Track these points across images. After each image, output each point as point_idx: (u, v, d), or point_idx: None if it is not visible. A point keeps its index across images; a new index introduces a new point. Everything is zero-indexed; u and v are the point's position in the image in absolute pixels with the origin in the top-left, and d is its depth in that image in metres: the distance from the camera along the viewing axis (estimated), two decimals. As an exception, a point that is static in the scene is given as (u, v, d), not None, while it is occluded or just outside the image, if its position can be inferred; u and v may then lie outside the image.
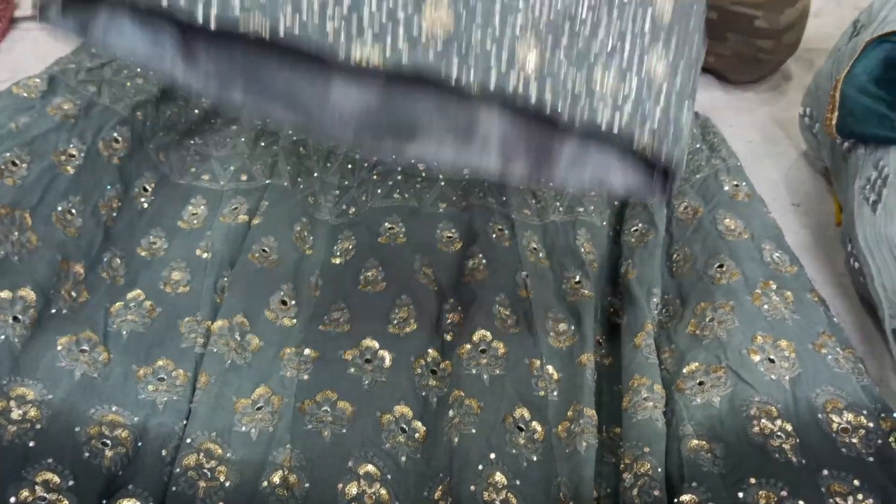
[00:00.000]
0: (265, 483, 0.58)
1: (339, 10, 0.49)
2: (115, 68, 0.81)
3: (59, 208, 0.69)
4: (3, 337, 0.59)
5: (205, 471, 0.59)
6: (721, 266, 0.72)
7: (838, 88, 0.80)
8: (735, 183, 0.81)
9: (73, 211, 0.70)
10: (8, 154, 0.66)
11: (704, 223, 0.77)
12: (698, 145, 0.87)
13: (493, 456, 0.60)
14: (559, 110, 0.51)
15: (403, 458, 0.62)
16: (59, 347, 0.62)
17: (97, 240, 0.71)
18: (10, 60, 1.02)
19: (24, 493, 0.54)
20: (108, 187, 0.74)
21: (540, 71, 0.51)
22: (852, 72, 0.80)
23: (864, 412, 0.60)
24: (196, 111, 0.85)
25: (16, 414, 0.57)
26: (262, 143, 0.85)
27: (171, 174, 0.81)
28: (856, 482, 0.56)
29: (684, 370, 0.65)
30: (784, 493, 0.55)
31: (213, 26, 0.46)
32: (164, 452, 0.60)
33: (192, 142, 0.85)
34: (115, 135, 0.76)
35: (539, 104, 0.50)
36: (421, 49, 0.49)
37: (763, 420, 0.60)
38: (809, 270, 0.79)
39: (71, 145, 0.71)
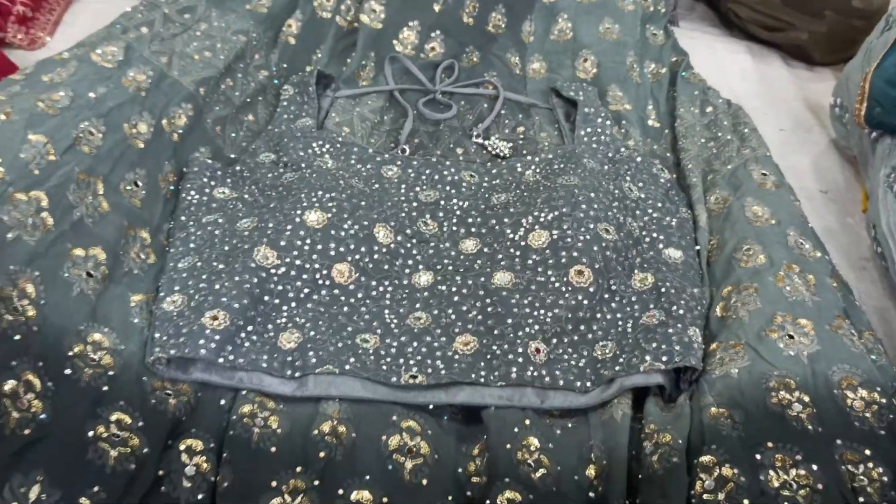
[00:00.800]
0: (315, 431, 0.63)
1: (388, 356, 0.68)
2: (186, 39, 0.86)
3: (127, 178, 0.74)
4: (79, 289, 0.65)
5: (259, 419, 0.64)
6: (748, 249, 0.76)
7: (868, 80, 0.83)
8: (763, 172, 0.84)
9: (139, 183, 0.75)
10: (86, 123, 0.71)
11: (734, 210, 0.81)
12: (729, 136, 0.91)
13: (527, 422, 0.65)
14: (566, 384, 0.67)
15: (445, 417, 0.67)
16: (133, 304, 0.68)
17: (157, 211, 0.76)
18: (73, 33, 1.07)
19: (101, 429, 0.59)
20: (166, 163, 0.79)
21: (548, 361, 0.68)
22: (882, 65, 0.83)
23: (878, 389, 0.64)
24: (253, 84, 0.90)
25: (92, 358, 0.63)
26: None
27: (225, 148, 0.86)
28: (867, 452, 0.60)
29: (708, 349, 0.69)
30: (799, 458, 0.59)
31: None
32: (222, 402, 0.66)
33: (246, 117, 0.89)
34: (179, 111, 0.81)
35: (552, 384, 0.67)
36: (455, 366, 0.68)
37: (782, 392, 0.63)
38: (835, 255, 0.83)
39: (142, 120, 0.76)
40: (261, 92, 0.91)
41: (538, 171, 0.84)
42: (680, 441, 0.63)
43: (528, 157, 0.87)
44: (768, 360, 0.66)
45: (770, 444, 0.61)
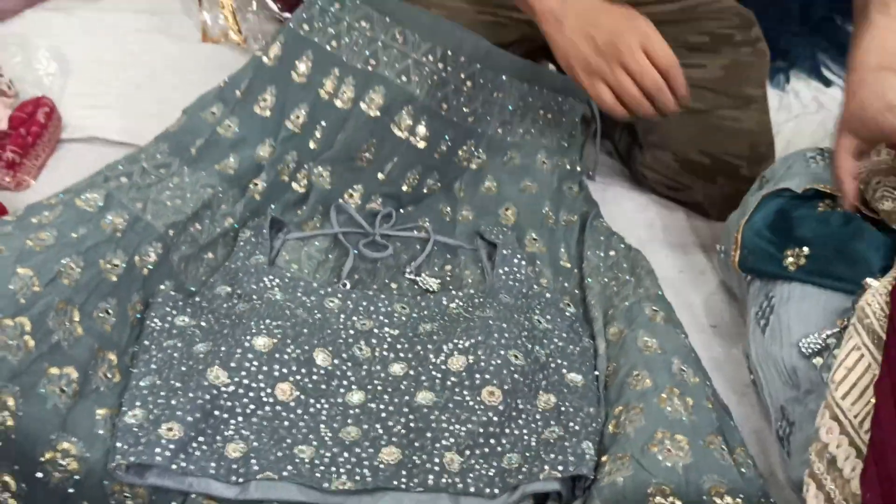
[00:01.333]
0: None
1: (322, 465, 0.78)
2: (160, 188, 0.98)
3: (100, 306, 0.85)
4: (53, 403, 0.75)
5: None
6: (637, 374, 0.88)
7: (740, 231, 0.99)
8: (654, 308, 0.98)
9: (110, 311, 0.86)
10: (67, 259, 0.83)
11: (627, 341, 0.94)
12: (627, 277, 1.05)
13: None
14: (476, 491, 0.77)
15: None
16: (98, 417, 0.78)
17: (124, 336, 0.87)
18: (55, 176, 1.20)
19: None
20: (135, 294, 0.90)
21: (462, 470, 0.78)
22: (752, 218, 0.98)
23: (741, 496, 0.75)
24: (218, 230, 1.02)
25: (61, 464, 0.72)
26: None
27: (187, 282, 0.98)
28: None
29: (601, 461, 0.80)
30: None
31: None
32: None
33: (207, 255, 1.01)
34: (150, 249, 0.92)
35: (464, 490, 0.77)
36: (380, 474, 0.78)
37: (658, 497, 0.74)
38: (720, 381, 0.96)
39: (116, 256, 0.88)
40: (223, 235, 1.03)
41: (461, 304, 0.97)
42: None
43: (453, 292, 1.00)
44: (649, 470, 0.77)
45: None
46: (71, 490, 0.72)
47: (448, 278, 1.06)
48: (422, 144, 1.13)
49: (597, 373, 0.92)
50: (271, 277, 0.96)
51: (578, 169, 1.22)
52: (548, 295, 0.99)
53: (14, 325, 0.75)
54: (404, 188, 1.15)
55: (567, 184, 1.21)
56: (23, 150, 1.16)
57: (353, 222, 1.10)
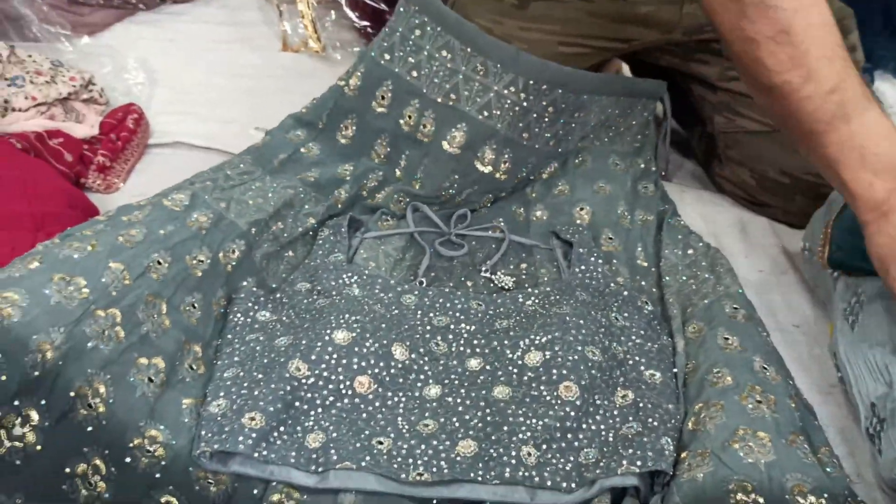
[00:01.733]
0: None
1: (399, 456, 0.79)
2: (242, 190, 1.01)
3: (186, 300, 0.88)
4: (141, 392, 0.78)
5: None
6: (718, 372, 0.87)
7: (830, 226, 0.96)
8: (735, 307, 0.96)
9: (196, 305, 0.88)
10: (156, 255, 0.86)
11: (707, 339, 0.92)
12: (707, 275, 1.03)
13: None
14: (553, 485, 0.77)
15: None
16: (184, 406, 0.80)
17: (209, 329, 0.90)
18: (142, 180, 1.25)
19: None
20: (220, 289, 0.93)
21: (539, 464, 0.78)
22: (843, 214, 0.96)
23: (826, 495, 0.73)
24: (300, 229, 1.05)
25: (148, 450, 0.75)
26: None
27: (268, 279, 1.00)
28: None
29: (678, 457, 0.79)
30: None
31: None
32: (255, 491, 0.78)
33: (287, 253, 1.04)
34: (234, 247, 0.95)
35: (541, 484, 0.77)
36: (457, 466, 0.78)
37: (740, 494, 0.73)
38: (804, 381, 0.93)
39: (201, 252, 0.91)
40: (304, 234, 1.06)
41: (536, 301, 0.97)
42: None
43: (529, 290, 1.00)
44: (729, 466, 0.75)
45: (731, 543, 0.70)
46: (158, 475, 0.75)
47: (523, 276, 1.06)
48: (504, 177, 1.13)
49: (675, 370, 0.90)
50: (350, 274, 0.97)
51: (653, 168, 1.21)
52: (625, 293, 0.98)
53: (106, 316, 0.78)
54: (478, 206, 1.17)
55: (642, 183, 1.20)
56: (112, 155, 1.21)
57: (429, 222, 1.11)
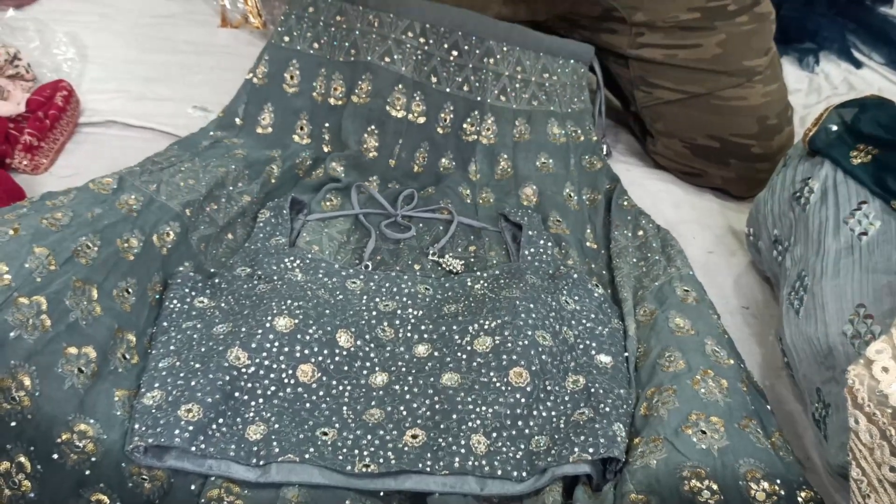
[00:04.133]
0: None
1: (345, 447, 0.76)
2: (171, 172, 0.97)
3: (119, 286, 0.83)
4: (70, 383, 0.73)
5: (225, 502, 0.72)
6: (670, 356, 0.85)
7: (828, 111, 0.96)
8: (686, 289, 0.95)
9: (130, 290, 0.84)
10: (84, 238, 0.81)
11: (658, 322, 0.91)
12: (657, 257, 1.02)
13: None
14: (504, 474, 0.75)
15: (395, 501, 0.75)
16: (116, 399, 0.76)
17: (143, 316, 0.85)
18: (71, 160, 1.18)
19: None
20: (155, 274, 0.88)
21: (489, 453, 0.76)
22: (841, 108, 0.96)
23: (779, 481, 0.72)
24: (235, 208, 1.01)
25: (77, 445, 0.71)
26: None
27: (206, 263, 0.96)
28: None
29: (631, 444, 0.78)
30: None
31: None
32: (192, 487, 0.74)
33: (227, 236, 1.00)
34: (168, 229, 0.91)
35: (491, 473, 0.74)
36: (404, 456, 0.75)
37: (693, 480, 0.72)
38: (754, 364, 0.93)
39: (133, 236, 0.86)
40: (241, 215, 1.02)
41: (486, 284, 0.94)
42: None
43: (478, 273, 0.97)
44: (683, 453, 0.74)
45: (683, 531, 0.69)
46: (87, 472, 0.70)
47: (472, 260, 1.03)
48: (421, 120, 1.14)
49: (626, 354, 0.89)
50: (292, 258, 0.94)
51: (594, 139, 1.19)
52: (575, 275, 0.97)
53: (30, 304, 0.73)
54: (415, 168, 1.14)
55: (586, 157, 1.18)
56: (40, 134, 1.15)
57: (374, 203, 1.08)
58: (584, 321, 0.91)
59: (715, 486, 0.71)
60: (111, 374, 0.78)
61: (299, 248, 0.98)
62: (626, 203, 1.12)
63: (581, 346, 0.88)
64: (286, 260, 0.93)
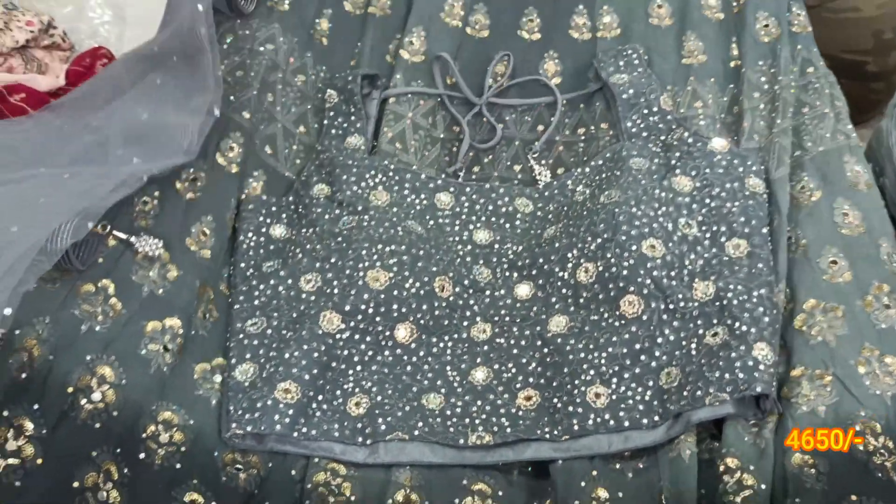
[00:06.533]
0: (389, 502, 0.65)
1: (454, 415, 0.69)
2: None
3: (193, 232, 0.75)
4: (156, 365, 0.67)
5: (332, 486, 0.66)
6: (833, 262, 0.71)
7: None
8: (857, 168, 0.77)
9: (206, 231, 0.76)
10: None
11: (821, 208, 0.75)
12: (826, 111, 0.82)
13: (594, 473, 0.65)
14: (632, 424, 0.66)
15: (515, 473, 0.68)
16: (196, 376, 0.70)
17: (221, 261, 0.77)
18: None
19: None
20: (232, 199, 0.79)
21: (611, 403, 0.67)
22: None
23: None
24: (292, 94, 0.89)
25: (163, 438, 0.65)
26: None
27: (279, 166, 0.85)
28: None
29: (792, 373, 0.67)
30: None
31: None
32: (293, 472, 0.68)
33: (297, 130, 0.88)
34: (230, 142, 0.81)
35: (617, 426, 0.66)
36: (520, 423, 0.68)
37: (867, 436, 0.61)
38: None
39: (193, 166, 0.77)
40: (304, 100, 0.89)
41: (587, 184, 0.81)
42: (763, 486, 0.61)
43: (578, 172, 0.83)
44: (856, 396, 0.63)
45: (853, 498, 0.59)
46: (178, 465, 0.65)
47: (581, 146, 0.87)
48: None
49: (766, 231, 0.74)
50: (373, 173, 0.82)
51: None
52: (689, 140, 0.80)
53: (96, 291, 0.67)
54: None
55: None
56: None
57: (455, 88, 0.92)
58: (706, 200, 0.76)
59: (891, 444, 0.61)
60: (191, 344, 0.71)
61: (380, 158, 0.85)
62: (796, 21, 0.90)
63: (708, 236, 0.74)
64: (367, 176, 0.82)
